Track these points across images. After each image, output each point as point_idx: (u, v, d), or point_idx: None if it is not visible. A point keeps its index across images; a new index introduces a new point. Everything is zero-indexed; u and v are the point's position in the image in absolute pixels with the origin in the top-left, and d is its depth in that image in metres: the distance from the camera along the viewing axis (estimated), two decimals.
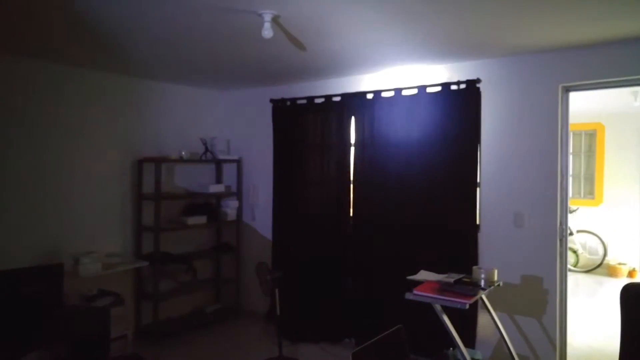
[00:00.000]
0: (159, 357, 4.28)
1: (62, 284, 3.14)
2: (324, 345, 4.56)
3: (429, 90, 4.09)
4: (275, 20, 2.82)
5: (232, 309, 5.41)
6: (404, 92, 4.22)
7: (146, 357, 4.04)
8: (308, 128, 4.82)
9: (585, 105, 6.21)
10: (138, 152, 4.79)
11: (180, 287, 4.98)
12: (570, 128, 3.79)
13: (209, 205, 5.20)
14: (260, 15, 2.71)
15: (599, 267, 7.42)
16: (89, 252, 4.12)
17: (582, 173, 7.79)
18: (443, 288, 3.22)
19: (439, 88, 4.04)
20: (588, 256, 7.57)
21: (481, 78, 3.90)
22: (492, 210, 3.91)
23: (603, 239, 7.42)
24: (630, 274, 7.10)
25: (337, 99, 4.60)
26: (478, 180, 3.95)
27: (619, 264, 7.20)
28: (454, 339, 3.15)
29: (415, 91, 4.16)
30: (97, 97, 4.46)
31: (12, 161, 3.88)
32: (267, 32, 2.76)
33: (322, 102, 4.71)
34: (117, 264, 4.29)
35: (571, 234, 7.34)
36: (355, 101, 4.49)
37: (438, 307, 3.15)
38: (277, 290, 4.15)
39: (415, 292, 3.22)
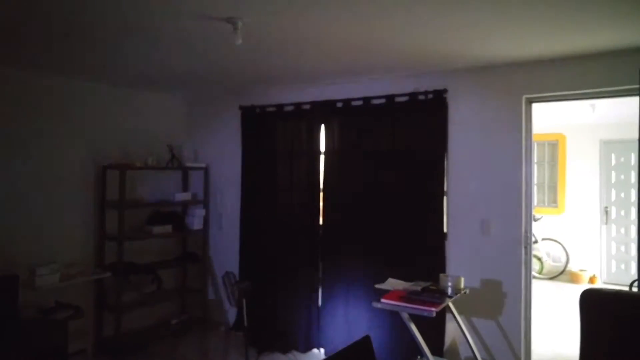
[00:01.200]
0: None
1: (17, 295, 2.99)
2: (292, 356, 4.50)
3: (397, 99, 4.13)
4: (245, 27, 2.78)
5: (198, 320, 5.28)
6: (373, 102, 4.25)
7: None
8: (278, 135, 4.78)
9: (548, 116, 6.40)
10: (102, 158, 4.64)
11: (144, 298, 4.83)
12: (534, 138, 3.88)
13: (174, 214, 5.08)
14: (230, 22, 2.68)
15: (562, 274, 7.62)
16: (47, 263, 3.95)
17: (546, 182, 8.00)
18: (410, 296, 3.25)
19: (406, 98, 4.09)
20: (552, 263, 7.78)
21: (448, 88, 3.96)
22: (459, 219, 3.95)
23: (565, 247, 7.63)
24: (591, 280, 7.31)
25: (307, 107, 4.60)
26: (445, 189, 3.99)
27: (580, 270, 7.42)
28: (421, 347, 3.16)
29: (383, 100, 4.19)
30: (56, 103, 4.31)
31: None
32: (237, 38, 2.73)
33: (292, 110, 4.69)
34: (77, 275, 4.13)
35: (536, 241, 7.52)
36: (325, 109, 4.49)
37: (405, 315, 3.17)
38: (244, 301, 4.08)
39: (382, 300, 3.23)
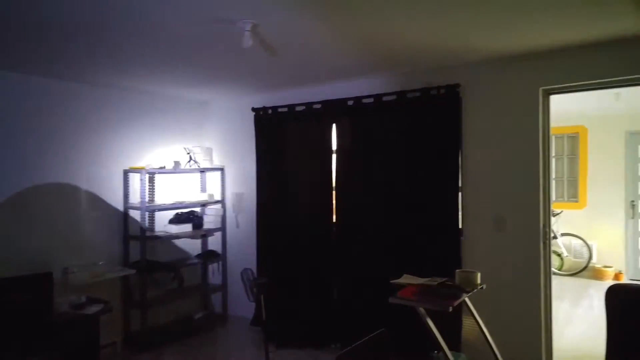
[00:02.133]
0: None
1: (51, 292, 3.18)
2: (310, 351, 4.59)
3: (408, 95, 4.15)
4: (254, 29, 2.88)
5: (219, 316, 5.46)
6: (384, 98, 4.28)
7: None
8: (290, 136, 4.89)
9: (567, 108, 6.29)
10: (123, 162, 4.85)
11: (167, 295, 5.03)
12: (552, 132, 3.82)
13: (194, 214, 5.24)
14: (240, 24, 2.78)
15: (585, 270, 7.39)
16: (78, 261, 4.17)
17: (566, 176, 7.89)
18: (426, 291, 3.20)
19: (418, 94, 4.11)
20: (573, 259, 7.62)
21: (461, 83, 3.94)
22: (475, 215, 3.95)
23: (588, 242, 7.48)
24: (617, 277, 7.06)
25: (318, 106, 4.68)
26: (460, 185, 4.00)
27: (605, 267, 7.19)
28: (438, 341, 3.16)
29: (394, 97, 4.22)
30: (82, 109, 4.52)
31: (1, 172, 3.93)
32: (247, 41, 2.83)
33: (303, 110, 4.79)
34: (105, 273, 4.33)
35: (555, 237, 7.42)
36: (335, 108, 4.57)
37: (421, 310, 3.16)
38: (262, 297, 4.19)
39: (398, 295, 3.21)
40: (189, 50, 3.46)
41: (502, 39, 3.29)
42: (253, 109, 5.15)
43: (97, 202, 4.64)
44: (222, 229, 5.43)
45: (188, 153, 5.23)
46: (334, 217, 4.66)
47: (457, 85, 3.95)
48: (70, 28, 2.88)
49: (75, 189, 4.45)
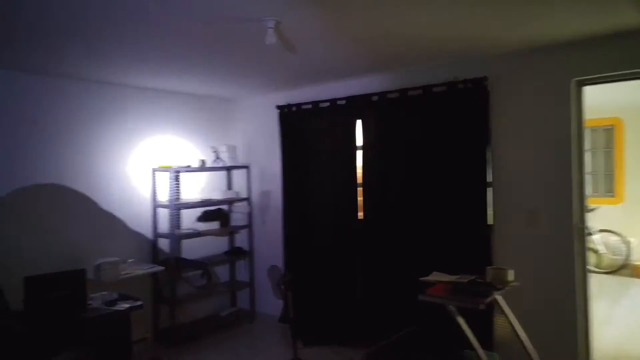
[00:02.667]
0: None
1: (85, 288, 3.27)
2: (338, 348, 4.56)
3: (434, 90, 4.08)
4: (277, 26, 2.87)
5: (247, 312, 5.50)
6: (410, 93, 4.22)
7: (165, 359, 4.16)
8: (314, 132, 4.88)
9: (602, 99, 6.06)
10: (152, 161, 4.93)
11: (196, 292, 5.10)
12: (586, 124, 3.69)
13: (221, 212, 5.30)
14: (263, 22, 2.78)
15: (623, 268, 7.14)
16: (110, 258, 4.27)
17: (601, 170, 7.62)
18: (456, 289, 3.15)
19: (444, 88, 4.03)
20: (611, 257, 7.36)
21: (489, 76, 3.85)
22: (505, 210, 3.86)
23: (626, 238, 7.21)
24: None
25: (342, 102, 4.65)
26: (489, 180, 3.91)
27: None
28: (471, 340, 3.09)
29: (420, 91, 4.16)
30: (111, 109, 4.62)
31: (37, 173, 4.07)
32: (270, 38, 2.82)
33: (328, 106, 4.77)
34: (135, 270, 4.42)
35: (590, 233, 7.18)
36: (360, 104, 4.53)
37: (452, 308, 3.11)
38: (289, 293, 4.21)
39: (428, 293, 3.16)
40: (214, 50, 3.48)
41: (531, 29, 3.19)
42: (277, 107, 5.16)
43: (128, 201, 4.74)
44: (249, 226, 5.46)
45: (214, 151, 5.28)
46: (360, 213, 4.63)
47: (485, 79, 3.86)
48: (100, 28, 2.93)
49: (107, 188, 4.56)
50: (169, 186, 4.75)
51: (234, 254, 5.50)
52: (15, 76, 3.93)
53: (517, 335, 3.34)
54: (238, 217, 5.39)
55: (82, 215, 4.37)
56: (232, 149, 5.40)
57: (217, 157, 5.28)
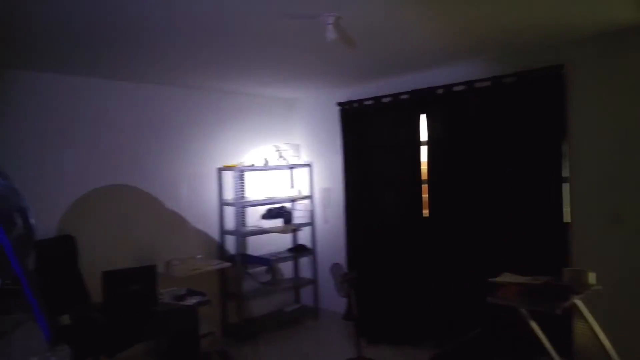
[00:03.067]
0: (243, 354, 4.49)
1: (156, 283, 3.41)
2: (403, 347, 4.50)
3: (504, 81, 3.91)
4: (337, 22, 2.84)
5: (310, 309, 5.55)
6: (477, 85, 4.06)
7: (232, 354, 4.27)
8: (377, 128, 4.81)
9: None
10: (218, 160, 5.08)
11: (261, 288, 5.21)
12: None
13: (284, 209, 5.37)
14: (322, 18, 2.75)
15: None
16: (179, 255, 4.45)
17: None
18: (529, 291, 2.99)
19: (515, 78, 3.85)
20: None
21: (565, 63, 3.62)
22: (586, 207, 3.63)
23: None
24: None
25: (406, 96, 4.55)
26: (566, 175, 3.70)
27: None
28: (545, 346, 2.94)
29: (489, 83, 3.99)
30: (180, 111, 4.80)
31: (111, 174, 4.29)
32: (330, 34, 2.80)
33: (390, 101, 4.69)
34: (203, 266, 4.57)
35: None
36: (424, 97, 4.42)
37: (524, 312, 2.97)
38: (352, 291, 4.19)
39: (498, 295, 3.02)
40: (274, 49, 3.50)
41: (611, 10, 2.95)
42: (338, 103, 5.14)
43: (195, 199, 4.91)
44: (311, 223, 5.50)
45: (277, 150, 5.36)
46: (425, 211, 4.53)
47: (561, 67, 3.63)
48: (164, 34, 3.04)
49: (176, 187, 4.75)
50: (234, 185, 4.87)
51: (298, 250, 5.56)
52: (90, 82, 4.15)
53: (600, 343, 3.11)
54: (301, 214, 5.44)
55: (153, 214, 4.57)
56: (294, 148, 5.46)
57: (280, 156, 5.36)
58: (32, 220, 1.51)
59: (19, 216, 1.45)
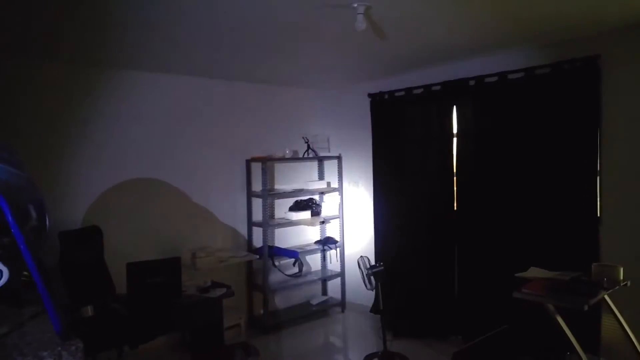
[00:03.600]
0: (268, 347, 4.50)
1: (180, 275, 3.42)
2: (429, 341, 4.45)
3: (537, 72, 3.77)
4: (367, 12, 2.77)
5: (337, 302, 5.51)
6: (510, 76, 3.94)
7: (257, 345, 4.28)
8: (407, 120, 4.71)
9: None
10: (246, 152, 5.07)
11: (288, 280, 5.19)
12: None
13: (312, 201, 5.32)
14: (353, 7, 2.68)
15: None
16: (205, 247, 4.47)
17: None
18: (556, 287, 2.96)
19: (548, 69, 3.71)
20: None
21: (601, 54, 3.47)
22: (618, 201, 3.49)
23: None
24: None
25: (437, 87, 4.44)
26: (598, 168, 3.56)
27: None
28: (572, 342, 2.86)
29: (521, 74, 3.87)
30: (209, 102, 4.80)
31: (138, 167, 4.33)
32: (360, 24, 2.73)
33: (421, 93, 4.58)
34: (230, 258, 4.58)
35: None
36: (456, 89, 4.30)
37: (550, 307, 2.89)
38: (379, 285, 4.14)
39: (524, 290, 2.98)
40: (306, 39, 3.44)
41: None
42: (369, 95, 5.05)
43: (223, 191, 4.92)
44: (340, 216, 5.44)
45: (306, 142, 5.30)
46: (455, 204, 4.41)
47: (597, 57, 3.48)
48: (198, 26, 3.03)
49: (203, 178, 4.76)
50: (262, 176, 4.85)
51: (325, 243, 5.51)
52: (118, 74, 4.19)
53: (629, 340, 3.03)
54: (329, 207, 5.38)
55: (180, 206, 4.60)
56: (323, 139, 5.40)
57: (309, 148, 5.31)
58: (47, 213, 1.49)
59: (33, 208, 1.43)
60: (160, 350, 4.18)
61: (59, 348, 1.36)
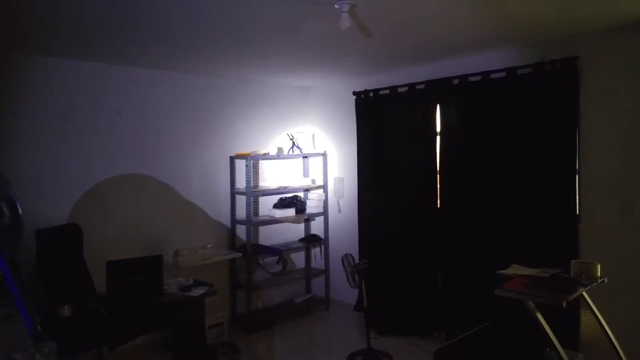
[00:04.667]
0: (252, 345, 4.47)
1: (161, 274, 3.37)
2: (413, 339, 4.47)
3: (519, 72, 3.83)
4: (352, 10, 2.76)
5: (321, 300, 5.50)
6: (492, 76, 3.98)
7: (240, 344, 4.26)
8: (392, 118, 4.73)
9: None
10: (229, 149, 5.02)
11: (271, 278, 5.17)
12: None
13: (297, 199, 5.31)
14: (337, 6, 2.67)
15: None
16: (188, 245, 4.42)
17: None
18: (536, 283, 3.01)
19: (529, 69, 3.77)
20: None
21: (579, 55, 3.54)
22: (596, 199, 3.57)
23: None
24: None
25: (421, 86, 4.46)
26: (577, 167, 3.62)
27: None
28: (550, 338, 2.91)
29: (504, 74, 3.91)
30: (190, 98, 4.75)
31: (122, 163, 4.27)
32: (345, 22, 2.71)
33: (406, 91, 4.59)
34: (213, 255, 4.54)
35: None
36: (440, 88, 4.33)
37: (531, 304, 2.93)
38: (363, 282, 4.14)
39: (505, 287, 3.01)
40: (289, 36, 3.42)
41: (627, 2, 2.86)
42: (354, 93, 5.05)
43: (206, 188, 4.88)
44: (324, 213, 5.43)
45: (291, 139, 5.28)
46: (439, 202, 4.44)
47: (575, 58, 3.55)
48: (181, 23, 3.00)
49: (186, 176, 4.72)
50: (246, 174, 4.82)
51: (310, 241, 5.51)
52: (102, 69, 4.12)
53: (607, 335, 3.12)
54: (314, 204, 5.37)
55: (164, 203, 4.55)
56: (308, 137, 5.38)
57: (294, 145, 5.29)
58: (20, 210, 1.45)
59: (5, 206, 1.39)
60: (141, 350, 4.12)
61: (32, 350, 1.33)
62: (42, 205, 3.75)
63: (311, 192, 5.48)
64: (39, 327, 1.39)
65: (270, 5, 2.73)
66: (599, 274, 3.05)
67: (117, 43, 3.50)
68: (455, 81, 4.21)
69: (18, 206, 1.51)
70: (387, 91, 4.73)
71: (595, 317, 3.17)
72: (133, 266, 3.18)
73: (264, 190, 5.05)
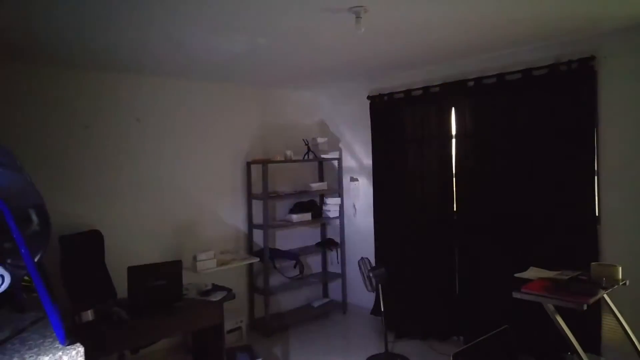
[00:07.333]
0: (270, 349, 4.49)
1: (181, 279, 3.42)
2: (430, 342, 4.45)
3: (535, 73, 3.79)
4: (367, 15, 2.76)
5: (339, 304, 5.50)
6: (507, 77, 3.95)
7: (258, 348, 4.28)
8: (406, 121, 4.73)
9: None
10: (246, 154, 5.07)
11: (289, 283, 5.19)
12: None
13: (313, 203, 5.33)
14: (352, 11, 2.69)
15: None
16: (206, 250, 4.48)
17: None
18: (556, 286, 2.96)
19: (546, 70, 3.73)
20: None
21: (596, 55, 3.49)
22: (615, 200, 3.51)
23: None
24: None
25: (436, 89, 4.45)
26: (596, 168, 3.57)
27: None
28: (570, 342, 2.87)
29: (519, 75, 3.88)
30: (208, 105, 4.82)
31: (140, 169, 4.35)
32: (359, 27, 2.73)
33: (420, 94, 4.59)
34: (231, 260, 4.59)
35: None
36: (455, 90, 4.31)
37: (550, 307, 2.89)
38: (380, 286, 4.14)
39: (523, 290, 2.98)
40: (303, 42, 3.44)
41: None
42: (368, 97, 5.06)
43: (224, 193, 4.93)
44: (340, 217, 5.45)
45: (306, 144, 5.31)
46: (455, 205, 4.43)
47: (592, 58, 3.51)
48: (199, 37, 3.03)
49: (204, 181, 4.77)
50: (262, 179, 4.86)
51: (326, 245, 5.52)
52: (119, 77, 4.21)
53: (629, 339, 3.06)
54: (330, 208, 5.39)
55: (181, 208, 4.61)
56: (323, 141, 5.41)
57: (309, 150, 5.32)
58: (49, 216, 1.48)
59: (34, 213, 1.43)
60: (161, 354, 4.18)
61: (60, 353, 1.37)
62: (65, 212, 3.84)
63: (327, 196, 5.50)
64: (67, 331, 1.43)
65: (286, 14, 2.75)
66: (620, 277, 3.00)
67: (139, 52, 3.55)
68: (470, 83, 4.19)
69: (46, 213, 1.54)
70: (402, 95, 4.73)
71: (618, 320, 3.12)
72: (153, 271, 3.23)
73: (280, 195, 5.08)
